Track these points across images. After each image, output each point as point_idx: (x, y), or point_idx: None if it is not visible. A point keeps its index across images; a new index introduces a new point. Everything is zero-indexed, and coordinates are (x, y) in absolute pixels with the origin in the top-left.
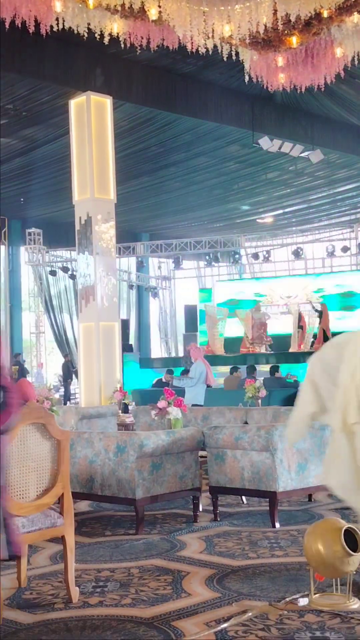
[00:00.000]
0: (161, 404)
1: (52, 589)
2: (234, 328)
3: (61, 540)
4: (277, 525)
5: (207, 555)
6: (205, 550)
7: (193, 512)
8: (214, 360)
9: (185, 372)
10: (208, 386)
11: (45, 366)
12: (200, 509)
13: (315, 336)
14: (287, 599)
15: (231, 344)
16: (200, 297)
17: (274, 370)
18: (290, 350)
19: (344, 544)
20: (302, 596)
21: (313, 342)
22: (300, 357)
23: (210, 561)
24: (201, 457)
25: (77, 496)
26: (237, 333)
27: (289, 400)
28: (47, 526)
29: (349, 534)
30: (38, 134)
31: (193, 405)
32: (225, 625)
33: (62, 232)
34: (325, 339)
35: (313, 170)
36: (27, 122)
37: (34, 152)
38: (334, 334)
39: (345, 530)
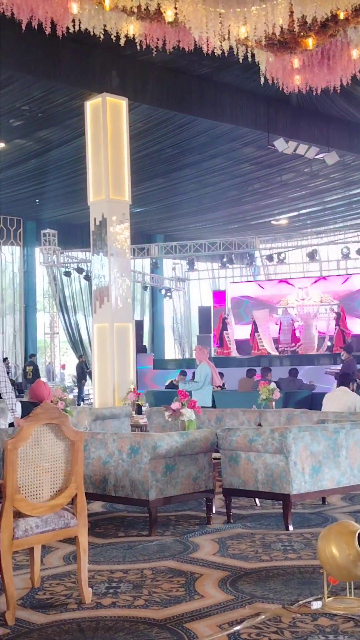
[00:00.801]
0: (175, 405)
1: (65, 590)
2: (244, 330)
3: (74, 540)
4: (291, 527)
5: (220, 558)
6: (218, 553)
7: (206, 514)
8: (227, 362)
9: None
10: (221, 387)
11: (59, 366)
12: (214, 511)
13: (331, 339)
14: (301, 602)
15: (242, 345)
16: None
17: (294, 372)
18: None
19: (358, 547)
20: (316, 599)
21: (330, 345)
22: (315, 360)
23: (223, 563)
24: (215, 459)
25: (90, 497)
26: (248, 335)
27: (305, 403)
28: (61, 527)
29: None
30: (53, 136)
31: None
32: (238, 627)
33: (77, 233)
34: (344, 340)
35: (328, 172)
36: (43, 123)
37: (50, 154)
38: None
39: (359, 534)
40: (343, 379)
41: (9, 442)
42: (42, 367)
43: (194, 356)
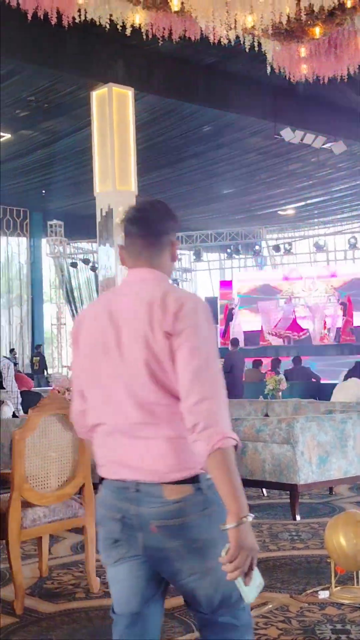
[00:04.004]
0: None
1: (73, 579)
2: (252, 320)
3: (82, 530)
4: (298, 517)
5: None
6: None
7: None
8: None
9: None
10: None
11: (66, 357)
12: None
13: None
14: (308, 592)
15: (250, 336)
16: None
17: (297, 361)
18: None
19: None
20: (323, 589)
21: (337, 336)
22: (322, 350)
23: None
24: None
25: (98, 486)
26: (256, 326)
27: (311, 393)
28: (69, 516)
29: None
30: (59, 126)
31: None
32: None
33: (83, 224)
34: (350, 330)
35: (335, 162)
36: (49, 114)
37: (56, 144)
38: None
39: None
40: (355, 370)
41: (16, 432)
42: (50, 358)
43: None
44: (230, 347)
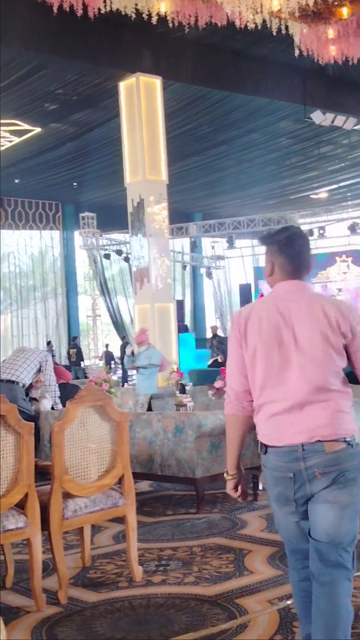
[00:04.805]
0: (218, 384)
1: (116, 568)
2: None
3: (123, 520)
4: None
5: (268, 534)
6: (266, 529)
7: (253, 490)
8: None
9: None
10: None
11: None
12: (260, 487)
13: None
14: (355, 574)
15: None
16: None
17: None
18: None
19: None
20: None
21: None
22: None
23: (271, 539)
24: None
25: (137, 476)
26: None
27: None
28: (109, 506)
29: None
30: (88, 118)
31: (151, 394)
32: (288, 602)
33: (115, 215)
34: None
35: None
36: (77, 106)
37: (85, 136)
38: None
39: None
40: None
41: (55, 424)
42: (86, 349)
43: None
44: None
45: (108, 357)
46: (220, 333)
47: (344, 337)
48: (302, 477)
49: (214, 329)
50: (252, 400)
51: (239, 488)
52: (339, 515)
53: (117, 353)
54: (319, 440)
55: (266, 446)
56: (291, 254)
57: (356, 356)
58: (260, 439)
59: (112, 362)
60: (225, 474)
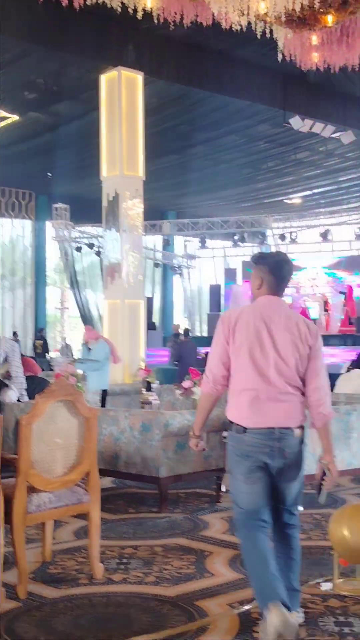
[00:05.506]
0: (186, 383)
1: (77, 565)
2: None
3: (85, 515)
4: (301, 508)
5: (230, 536)
6: (228, 531)
7: (216, 492)
8: None
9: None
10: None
11: (68, 341)
12: (223, 489)
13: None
14: (311, 583)
15: None
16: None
17: None
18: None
19: None
20: (326, 580)
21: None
22: (325, 341)
23: (233, 542)
24: (226, 437)
25: (101, 472)
26: None
27: None
28: (73, 502)
29: None
30: (68, 109)
31: (102, 390)
32: (248, 607)
33: (89, 208)
34: (350, 321)
35: (344, 152)
36: (57, 97)
37: (64, 127)
38: None
39: None
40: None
41: (23, 417)
42: (53, 342)
43: (204, 334)
44: (182, 337)
45: (66, 350)
46: (181, 331)
47: (310, 349)
48: (274, 453)
49: (176, 328)
50: (225, 384)
51: (200, 444)
52: (297, 484)
53: (77, 346)
54: (289, 427)
55: (245, 428)
56: (279, 276)
57: (311, 366)
58: (238, 421)
59: (69, 355)
60: (191, 434)
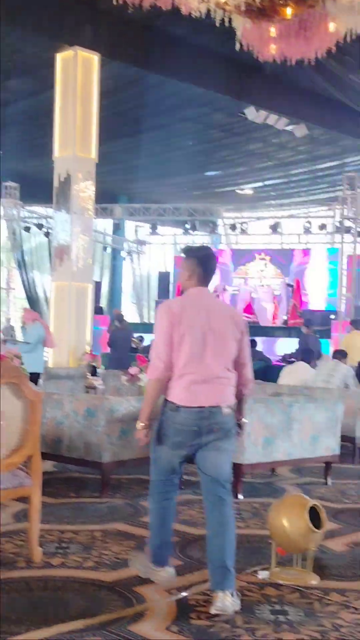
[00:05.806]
0: (133, 370)
1: (15, 548)
2: None
3: (25, 498)
4: (241, 496)
5: None
6: None
7: None
8: None
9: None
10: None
11: (12, 322)
12: None
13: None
14: (248, 571)
15: None
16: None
17: (253, 344)
18: (262, 324)
19: (308, 520)
20: (263, 569)
21: (285, 319)
22: (270, 331)
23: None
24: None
25: (43, 456)
26: None
27: (259, 375)
28: (15, 486)
29: (313, 511)
30: (22, 86)
31: (32, 373)
32: (185, 593)
33: (39, 188)
34: (297, 313)
35: (296, 145)
36: (11, 73)
37: (16, 104)
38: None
39: (310, 507)
40: (305, 355)
41: None
42: None
43: (151, 320)
44: (116, 323)
45: (8, 331)
46: (137, 319)
47: (242, 335)
48: (202, 430)
49: (116, 313)
50: (173, 370)
51: (149, 434)
52: (226, 457)
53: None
54: (219, 406)
55: (179, 406)
56: (207, 268)
57: (241, 349)
58: (173, 399)
59: (11, 336)
60: (139, 423)
